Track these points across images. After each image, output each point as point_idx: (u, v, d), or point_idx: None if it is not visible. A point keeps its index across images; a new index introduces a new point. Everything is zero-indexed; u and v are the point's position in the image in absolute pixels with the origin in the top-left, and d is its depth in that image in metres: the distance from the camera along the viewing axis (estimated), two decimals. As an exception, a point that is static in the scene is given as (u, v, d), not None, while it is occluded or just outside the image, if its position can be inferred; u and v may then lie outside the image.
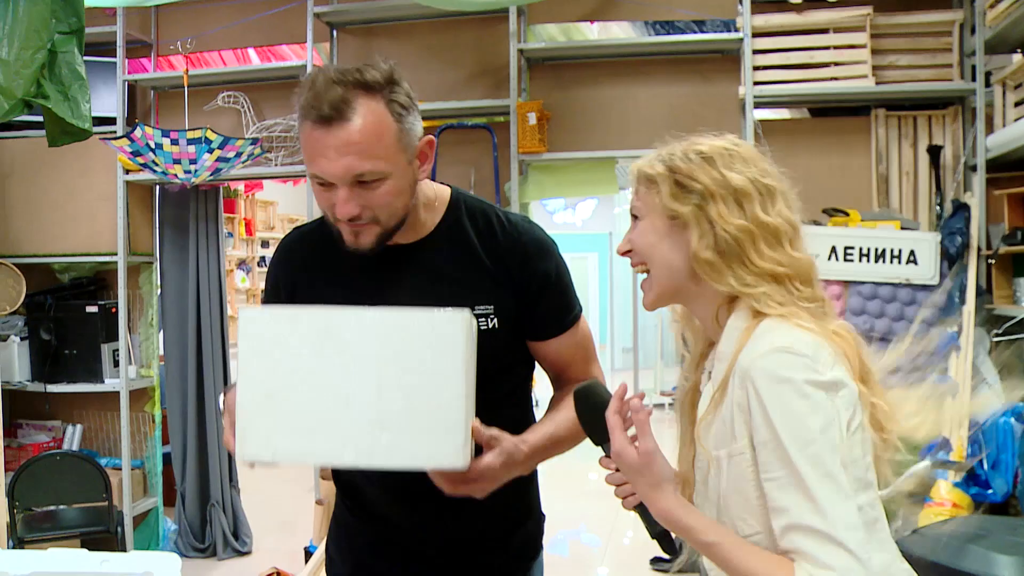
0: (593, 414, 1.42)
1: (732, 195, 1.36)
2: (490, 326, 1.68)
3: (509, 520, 1.80)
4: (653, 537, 1.40)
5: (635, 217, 1.45)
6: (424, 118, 4.77)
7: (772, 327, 1.30)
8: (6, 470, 4.47)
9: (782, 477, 1.22)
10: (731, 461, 1.30)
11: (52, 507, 4.39)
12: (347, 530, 1.84)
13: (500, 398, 1.69)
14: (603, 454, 1.43)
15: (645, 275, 1.45)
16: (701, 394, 1.46)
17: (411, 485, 1.57)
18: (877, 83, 4.12)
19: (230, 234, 7.70)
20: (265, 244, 8.88)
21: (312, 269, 1.77)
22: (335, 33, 4.73)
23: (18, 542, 4.12)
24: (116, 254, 4.80)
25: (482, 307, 1.67)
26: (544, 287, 1.72)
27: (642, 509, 1.39)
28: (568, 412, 1.58)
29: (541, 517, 1.89)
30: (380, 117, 1.53)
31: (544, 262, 1.72)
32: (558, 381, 1.81)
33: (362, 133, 1.52)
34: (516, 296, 1.70)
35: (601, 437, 1.41)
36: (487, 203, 1.78)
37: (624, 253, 1.46)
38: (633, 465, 1.33)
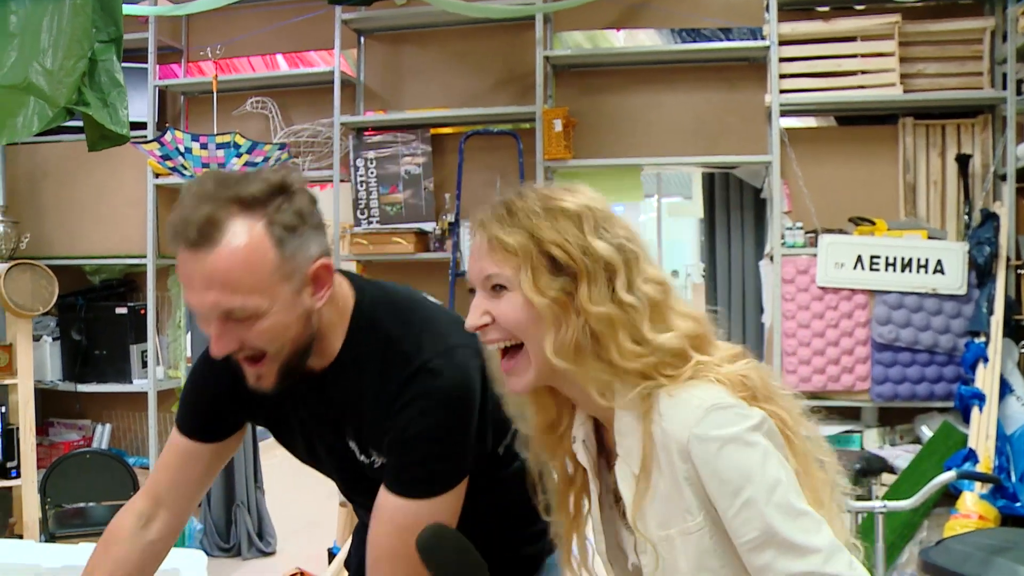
0: (457, 560, 1.26)
1: (602, 270, 1.19)
2: (380, 463, 1.51)
3: (515, 537, 1.71)
4: None
5: (498, 287, 1.22)
6: (450, 124, 4.79)
7: (676, 392, 1.18)
8: (38, 467, 4.55)
9: (757, 537, 1.13)
10: (686, 539, 1.18)
11: (82, 504, 4.45)
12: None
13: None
14: None
15: (504, 349, 1.24)
16: (589, 480, 1.32)
17: None
18: (905, 91, 4.10)
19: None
20: (292, 247, 8.95)
21: (230, 388, 1.53)
22: (362, 39, 4.77)
23: (50, 537, 4.18)
24: (145, 256, 4.87)
25: (366, 455, 1.52)
26: (407, 443, 1.42)
27: None
28: None
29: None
30: (255, 244, 1.30)
31: (420, 419, 1.41)
32: None
33: (229, 263, 1.29)
34: (387, 442, 1.46)
35: None
36: (396, 325, 1.48)
37: (480, 327, 1.23)
38: None
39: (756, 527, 1.13)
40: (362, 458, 1.52)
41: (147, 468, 4.86)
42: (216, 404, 1.60)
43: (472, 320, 1.23)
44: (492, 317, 1.22)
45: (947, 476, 2.81)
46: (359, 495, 1.67)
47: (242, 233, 1.29)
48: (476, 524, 1.44)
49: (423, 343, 1.45)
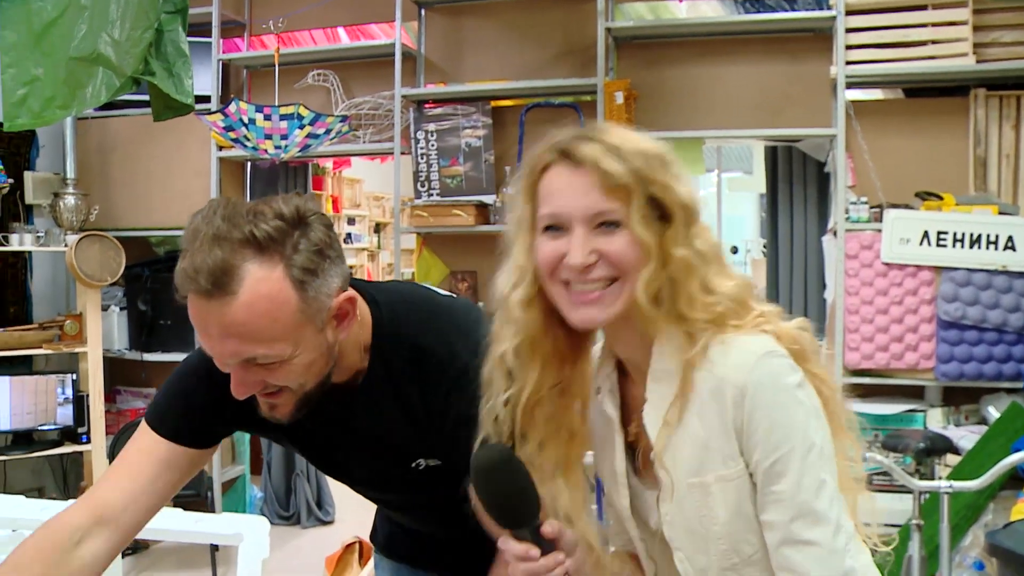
0: (510, 493, 1.19)
1: (683, 215, 1.20)
2: (428, 464, 1.48)
3: None
4: None
5: (609, 224, 1.18)
6: (511, 97, 4.76)
7: (728, 339, 1.17)
8: (106, 433, 4.67)
9: (781, 492, 1.13)
10: (725, 486, 1.16)
11: (147, 470, 4.56)
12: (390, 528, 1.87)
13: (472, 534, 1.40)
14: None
15: (600, 287, 1.19)
16: (602, 417, 1.30)
17: (426, 519, 1.66)
18: (978, 61, 3.98)
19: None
20: (351, 221, 9.03)
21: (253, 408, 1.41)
22: (423, 12, 4.77)
23: (116, 502, 4.30)
24: (209, 228, 4.94)
25: (419, 460, 1.48)
26: (459, 423, 1.37)
27: None
28: None
29: None
30: (274, 292, 1.23)
31: (462, 395, 1.36)
32: None
33: (248, 315, 1.22)
34: (447, 433, 1.42)
35: (517, 519, 1.19)
36: (417, 325, 1.45)
37: (588, 266, 1.18)
38: None
39: (784, 484, 1.13)
40: (400, 467, 1.49)
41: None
42: (215, 409, 1.45)
43: (579, 258, 1.16)
44: (600, 254, 1.17)
45: (1016, 457, 2.75)
46: (389, 493, 1.66)
47: (260, 281, 1.22)
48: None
49: (454, 346, 1.42)
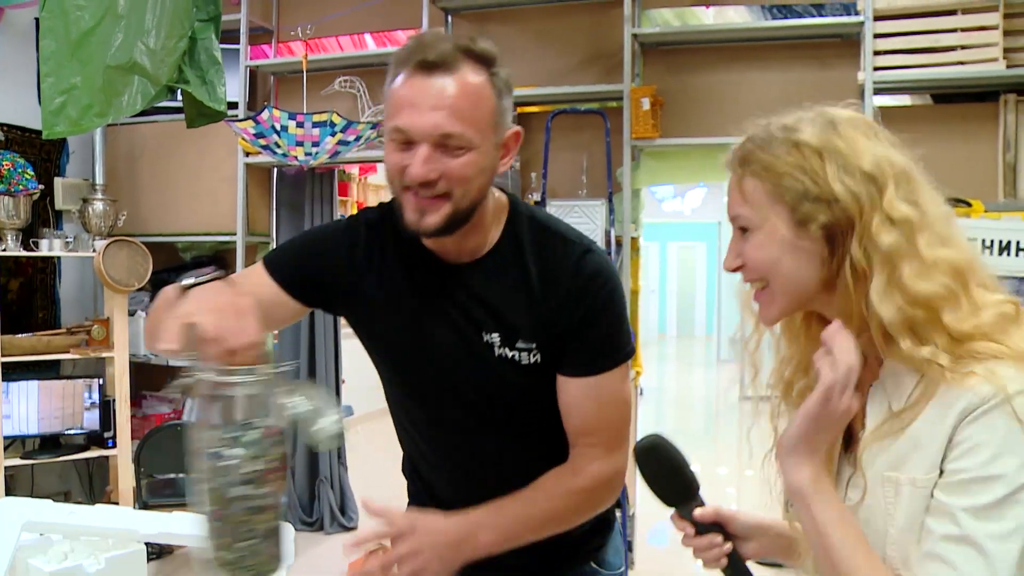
0: (662, 474, 1.31)
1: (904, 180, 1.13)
2: (532, 361, 1.53)
3: None
4: None
5: (743, 229, 1.20)
6: (536, 103, 4.79)
7: (991, 364, 1.07)
8: (132, 439, 4.70)
9: (955, 504, 1.06)
10: (915, 491, 1.10)
11: (172, 475, 4.59)
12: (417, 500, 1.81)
13: (540, 448, 1.58)
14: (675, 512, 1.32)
15: (761, 286, 1.22)
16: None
17: (473, 474, 1.61)
18: (1008, 66, 3.95)
19: (343, 216, 7.88)
20: (375, 227, 9.04)
21: (362, 269, 1.58)
22: (449, 18, 4.79)
23: (143, 506, 4.32)
24: (235, 234, 4.98)
25: (524, 342, 1.53)
26: (593, 317, 1.52)
27: (730, 570, 1.30)
28: (548, 488, 1.52)
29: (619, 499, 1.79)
30: (483, 85, 1.42)
31: (599, 291, 1.53)
32: (569, 449, 1.59)
33: (461, 92, 1.39)
34: (562, 326, 1.52)
35: (672, 498, 1.31)
36: (548, 218, 1.61)
37: (734, 269, 1.23)
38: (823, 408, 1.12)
39: (964, 501, 1.06)
40: (502, 351, 1.53)
41: (236, 440, 4.97)
42: (329, 268, 1.59)
43: (726, 263, 1.23)
44: (743, 260, 1.20)
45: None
46: (456, 404, 1.60)
47: (472, 74, 1.41)
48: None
49: (575, 232, 1.58)
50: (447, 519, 1.47)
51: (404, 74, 1.41)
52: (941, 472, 1.08)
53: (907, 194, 1.13)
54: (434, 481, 1.73)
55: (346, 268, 1.58)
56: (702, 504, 1.32)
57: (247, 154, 4.88)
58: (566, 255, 1.53)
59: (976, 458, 1.04)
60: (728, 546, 1.30)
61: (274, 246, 5.28)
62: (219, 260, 5.28)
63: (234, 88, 4.90)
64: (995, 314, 1.10)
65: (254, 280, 1.57)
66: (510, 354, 1.53)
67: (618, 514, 1.87)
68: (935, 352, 1.08)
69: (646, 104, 4.20)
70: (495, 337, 1.53)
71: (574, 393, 1.54)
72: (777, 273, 1.18)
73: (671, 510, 1.32)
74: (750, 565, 1.33)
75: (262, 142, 4.26)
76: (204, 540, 1.18)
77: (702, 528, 1.31)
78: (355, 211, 7.22)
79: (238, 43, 4.88)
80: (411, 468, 1.80)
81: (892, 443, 1.13)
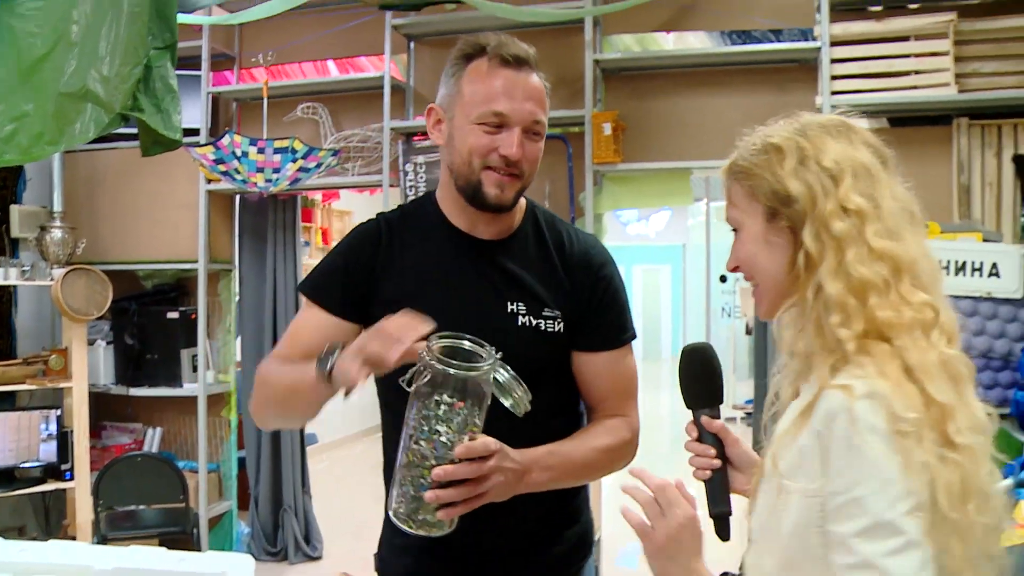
0: (698, 374, 1.41)
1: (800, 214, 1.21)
2: (556, 329, 1.72)
3: (557, 522, 1.82)
4: (711, 516, 1.36)
5: (734, 230, 1.32)
6: (500, 127, 4.63)
7: (865, 364, 1.13)
8: (91, 470, 4.62)
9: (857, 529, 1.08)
10: (803, 500, 1.13)
11: (133, 507, 4.51)
12: (399, 532, 1.82)
13: (551, 407, 1.72)
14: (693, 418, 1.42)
15: (754, 285, 1.32)
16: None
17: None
18: (960, 91, 4.02)
19: (307, 243, 7.83)
20: (339, 254, 8.98)
21: (395, 251, 1.76)
22: (412, 45, 4.80)
23: (102, 539, 4.24)
24: (197, 262, 4.93)
25: (550, 310, 1.72)
26: (609, 299, 1.78)
27: (710, 485, 1.37)
28: (586, 442, 1.71)
29: (590, 520, 1.91)
30: (543, 85, 1.70)
31: (612, 275, 1.80)
32: (590, 414, 1.82)
33: (541, 88, 1.69)
34: (582, 304, 1.75)
35: (695, 400, 1.41)
36: (556, 215, 1.87)
37: (733, 269, 1.34)
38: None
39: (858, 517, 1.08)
40: (525, 320, 1.71)
41: (196, 472, 4.92)
42: (361, 276, 1.75)
43: (727, 263, 1.33)
44: (736, 261, 1.31)
45: (1003, 485, 2.74)
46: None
47: (537, 77, 1.70)
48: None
49: (581, 233, 1.86)
50: (518, 452, 1.57)
51: (490, 65, 1.67)
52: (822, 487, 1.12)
53: (864, 188, 1.19)
54: None
55: (385, 249, 1.76)
56: (717, 417, 1.41)
57: (208, 181, 4.84)
58: (580, 241, 1.80)
59: (842, 480, 1.08)
60: (717, 463, 1.37)
61: (237, 273, 5.25)
62: (181, 288, 5.22)
63: (195, 114, 4.88)
64: (913, 316, 1.14)
65: (312, 323, 1.75)
66: (534, 322, 1.71)
67: None
68: (848, 335, 1.14)
69: (608, 129, 4.22)
70: (520, 307, 1.72)
71: (600, 364, 1.76)
72: (756, 269, 1.27)
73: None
74: (735, 499, 1.38)
75: (222, 168, 4.23)
76: (394, 497, 1.46)
77: (705, 437, 1.39)
78: (319, 238, 7.18)
79: (200, 69, 4.85)
80: None
81: (791, 447, 1.16)
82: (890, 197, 1.20)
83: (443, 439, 1.40)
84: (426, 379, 1.38)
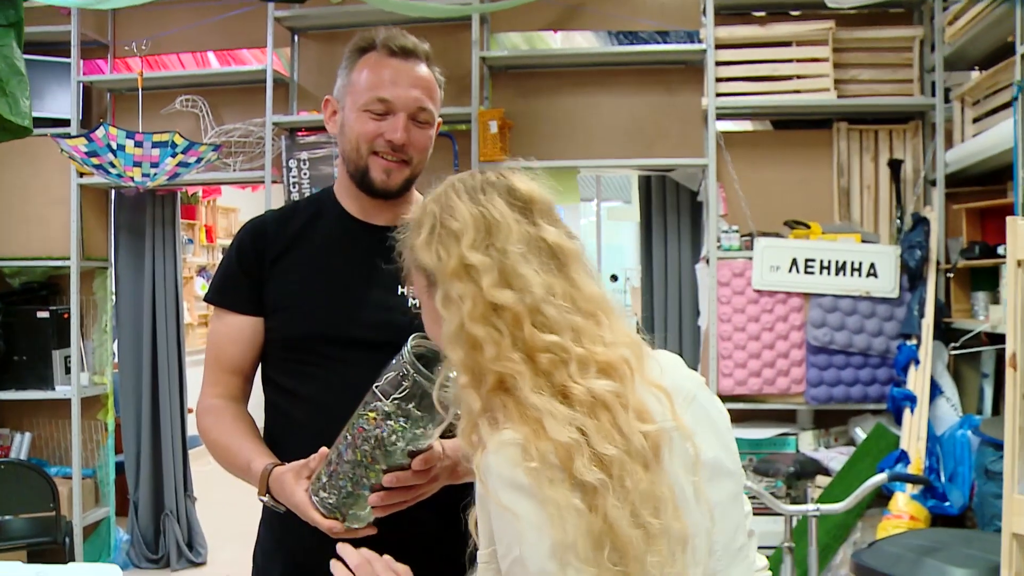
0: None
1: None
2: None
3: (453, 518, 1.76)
4: None
5: None
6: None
7: (499, 418, 1.13)
8: (-49, 479, 4.36)
9: None
10: (484, 567, 1.14)
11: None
12: (281, 531, 1.76)
13: None
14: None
15: None
16: None
17: None
18: (839, 96, 4.13)
19: (190, 240, 7.59)
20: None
21: (285, 241, 1.77)
22: (296, 38, 4.68)
23: (-39, 553, 4.01)
24: (69, 259, 4.70)
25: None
26: None
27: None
28: None
29: None
30: (435, 78, 1.76)
31: None
32: None
33: (429, 77, 1.74)
34: None
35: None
36: None
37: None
38: None
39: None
40: (415, 302, 1.66)
41: (69, 478, 4.70)
42: (256, 271, 1.76)
43: None
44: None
45: (879, 478, 2.82)
46: (363, 350, 1.66)
47: (427, 66, 1.75)
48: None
49: None
50: (448, 444, 1.52)
51: (377, 56, 1.71)
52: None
53: (488, 240, 1.16)
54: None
55: (275, 244, 1.76)
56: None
57: (81, 175, 4.63)
58: None
59: (501, 540, 1.09)
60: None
61: (113, 271, 5.04)
62: (52, 286, 4.98)
63: (65, 105, 4.65)
64: (548, 359, 1.11)
65: (225, 332, 1.77)
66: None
67: None
68: (474, 397, 1.12)
69: (494, 127, 4.19)
70: (412, 289, 1.67)
71: None
72: (439, 343, 1.22)
73: None
74: None
75: (95, 161, 4.04)
76: (322, 485, 1.44)
77: None
78: (203, 235, 6.97)
79: (69, 56, 4.62)
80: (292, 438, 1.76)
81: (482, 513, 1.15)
82: (520, 243, 1.16)
83: (400, 445, 1.37)
84: (403, 391, 1.34)
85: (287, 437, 1.74)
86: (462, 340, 1.12)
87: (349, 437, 1.40)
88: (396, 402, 1.35)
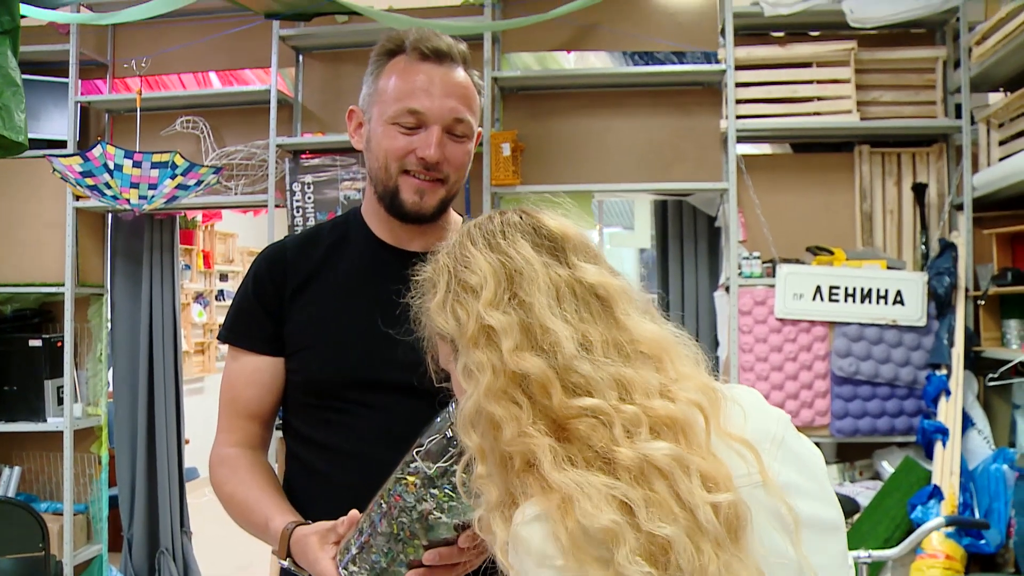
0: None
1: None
2: None
3: None
4: None
5: None
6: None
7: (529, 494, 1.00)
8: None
9: None
10: None
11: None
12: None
13: None
14: None
15: None
16: None
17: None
18: (861, 119, 4.01)
19: (187, 266, 7.43)
20: (224, 277, 8.60)
21: (310, 273, 1.59)
22: (301, 58, 4.54)
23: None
24: (63, 285, 4.53)
25: None
26: None
27: None
28: None
29: None
30: (471, 82, 1.56)
31: None
32: None
33: (467, 83, 1.54)
34: None
35: None
36: None
37: None
38: None
39: None
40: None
41: (60, 514, 4.50)
42: (274, 304, 1.59)
43: None
44: None
45: (935, 523, 2.66)
46: (391, 389, 1.50)
47: (466, 70, 1.55)
48: None
49: None
50: None
51: (408, 60, 1.52)
52: None
53: (510, 292, 1.02)
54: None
55: (282, 285, 1.59)
56: None
57: (77, 198, 4.47)
58: None
59: None
60: None
61: (108, 298, 4.87)
62: (45, 314, 4.80)
63: (62, 126, 4.50)
64: (586, 424, 0.94)
65: (241, 373, 1.60)
66: None
67: None
68: (490, 488, 0.98)
69: (507, 150, 4.06)
70: None
71: None
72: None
73: None
74: None
75: (89, 182, 3.89)
76: (351, 557, 1.26)
77: None
78: (200, 261, 6.81)
79: (67, 76, 4.47)
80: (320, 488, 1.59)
81: None
82: (549, 290, 1.02)
83: (444, 519, 1.16)
84: (450, 457, 1.13)
85: (310, 491, 1.56)
86: (480, 422, 0.97)
87: (384, 506, 1.21)
88: (441, 469, 1.15)
